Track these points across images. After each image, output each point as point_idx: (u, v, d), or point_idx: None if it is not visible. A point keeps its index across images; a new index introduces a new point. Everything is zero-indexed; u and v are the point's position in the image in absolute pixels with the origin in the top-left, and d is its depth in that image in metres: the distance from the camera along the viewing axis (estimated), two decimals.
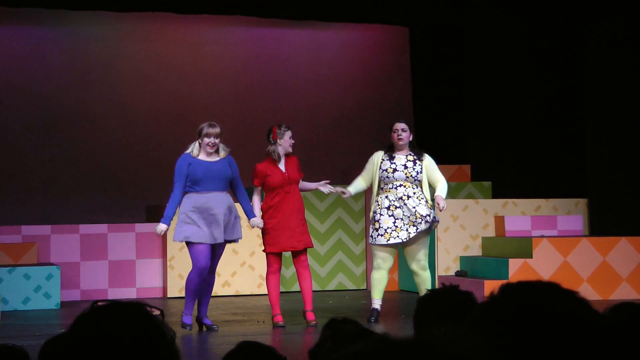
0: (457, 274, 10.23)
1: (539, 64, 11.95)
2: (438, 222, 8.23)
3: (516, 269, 9.56)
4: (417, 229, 7.99)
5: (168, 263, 10.49)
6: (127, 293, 10.70)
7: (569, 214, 11.02)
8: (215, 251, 7.64)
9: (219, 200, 7.58)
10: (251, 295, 10.66)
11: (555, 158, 11.88)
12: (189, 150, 7.69)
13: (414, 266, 8.10)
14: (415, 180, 8.09)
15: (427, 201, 8.10)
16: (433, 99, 13.22)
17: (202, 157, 7.64)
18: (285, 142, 8.02)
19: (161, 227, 7.57)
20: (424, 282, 8.10)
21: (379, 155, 8.21)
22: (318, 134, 13.13)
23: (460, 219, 10.67)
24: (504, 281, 8.97)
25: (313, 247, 8.32)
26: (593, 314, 1.48)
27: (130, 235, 10.73)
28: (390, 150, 8.19)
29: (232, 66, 13.06)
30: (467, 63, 12.93)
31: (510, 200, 10.98)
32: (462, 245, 10.64)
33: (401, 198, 8.01)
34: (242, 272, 10.81)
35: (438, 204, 7.97)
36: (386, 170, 8.10)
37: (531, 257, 9.65)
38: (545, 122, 11.94)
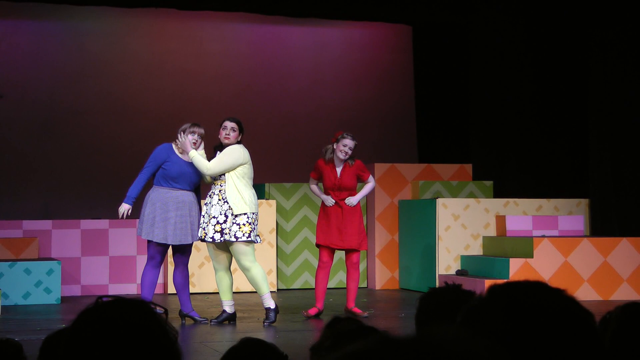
0: (458, 273, 10.23)
1: (542, 63, 11.95)
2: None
3: (517, 269, 9.56)
4: (206, 232, 7.78)
5: (168, 260, 10.49)
6: (127, 289, 10.71)
7: (570, 214, 11.02)
8: (183, 248, 7.92)
9: (184, 201, 7.83)
10: (252, 293, 10.66)
11: (557, 158, 11.89)
12: (174, 145, 7.91)
13: (238, 266, 7.90)
14: (220, 175, 7.86)
15: (225, 201, 7.77)
16: (435, 97, 13.22)
17: (182, 155, 7.86)
18: (337, 148, 8.34)
19: (125, 207, 7.80)
20: (251, 280, 7.87)
21: None
22: (320, 131, 13.12)
23: (462, 218, 10.66)
24: (505, 281, 8.98)
25: (361, 249, 8.55)
26: (582, 310, 1.48)
27: (131, 231, 10.74)
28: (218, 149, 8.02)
29: (235, 63, 13.05)
30: (470, 62, 12.93)
31: (511, 200, 10.98)
32: (463, 245, 10.63)
33: (210, 195, 7.91)
34: None
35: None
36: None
37: (532, 257, 9.65)
38: (547, 122, 11.94)
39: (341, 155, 8.31)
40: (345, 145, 8.30)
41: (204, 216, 7.85)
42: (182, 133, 7.84)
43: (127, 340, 1.53)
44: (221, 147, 7.93)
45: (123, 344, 1.52)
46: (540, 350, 1.40)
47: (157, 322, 1.58)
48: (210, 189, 7.93)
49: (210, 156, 7.94)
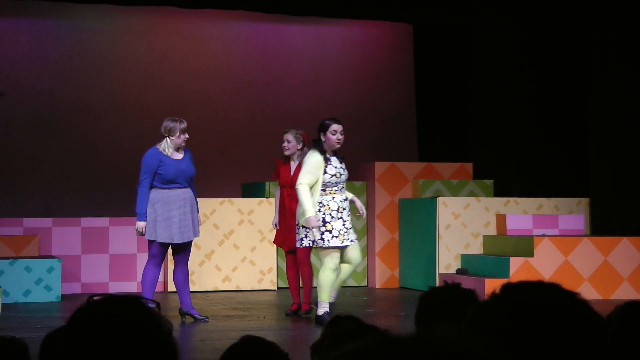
0: (458, 272, 10.23)
1: (542, 62, 11.95)
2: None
3: (517, 268, 9.56)
4: (348, 235, 7.70)
5: (168, 258, 10.48)
6: (127, 287, 10.72)
7: (571, 213, 11.02)
8: (185, 246, 7.92)
9: (185, 198, 7.86)
10: (252, 291, 10.66)
11: (558, 157, 11.88)
12: (160, 148, 7.86)
13: (355, 257, 7.75)
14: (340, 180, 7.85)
15: None
16: (436, 96, 13.21)
17: (172, 154, 7.86)
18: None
19: (140, 224, 7.84)
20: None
21: (320, 157, 7.68)
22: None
23: (462, 217, 10.66)
24: (505, 280, 8.97)
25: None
26: (593, 314, 1.48)
27: (131, 229, 10.71)
28: (324, 153, 7.75)
29: (235, 61, 13.05)
30: (471, 61, 12.92)
31: (512, 199, 10.98)
32: (464, 243, 10.63)
33: (346, 199, 7.79)
34: (243, 267, 10.82)
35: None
36: (335, 175, 7.68)
37: (532, 256, 9.65)
38: (548, 121, 11.94)
39: (285, 151, 8.43)
40: (287, 140, 8.41)
41: (346, 221, 7.66)
42: (175, 135, 7.84)
43: (122, 335, 1.54)
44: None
45: (118, 340, 1.53)
46: (544, 351, 1.40)
47: (150, 316, 1.59)
48: (340, 194, 7.72)
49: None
